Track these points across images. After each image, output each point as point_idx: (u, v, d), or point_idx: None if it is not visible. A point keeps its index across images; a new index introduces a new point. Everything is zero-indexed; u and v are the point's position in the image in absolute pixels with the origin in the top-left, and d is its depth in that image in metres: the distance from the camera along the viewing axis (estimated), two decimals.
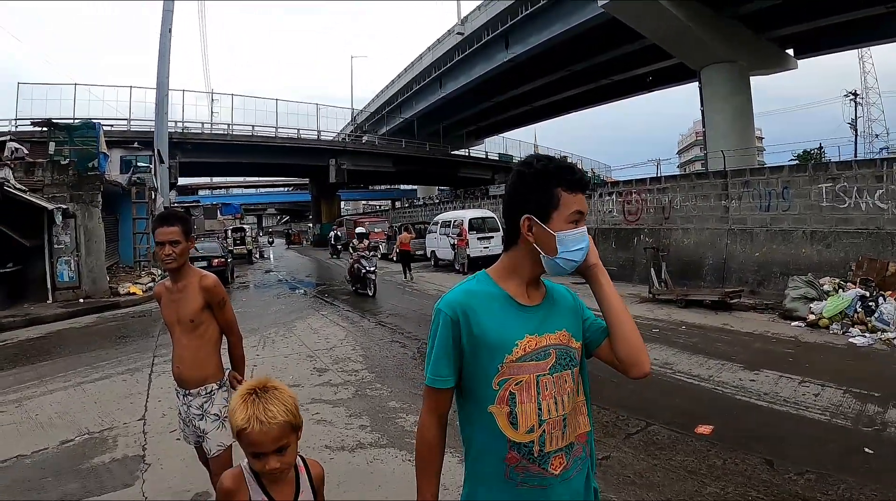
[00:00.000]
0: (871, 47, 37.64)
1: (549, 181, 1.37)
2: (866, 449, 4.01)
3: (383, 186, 72.07)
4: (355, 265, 13.90)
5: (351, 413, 5.02)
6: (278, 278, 19.79)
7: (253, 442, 1.39)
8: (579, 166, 1.39)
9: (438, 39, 38.03)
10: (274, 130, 39.58)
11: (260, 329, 9.39)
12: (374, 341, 8.34)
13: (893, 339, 7.38)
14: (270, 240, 59.14)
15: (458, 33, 34.32)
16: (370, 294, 13.24)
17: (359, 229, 16.98)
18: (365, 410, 5.10)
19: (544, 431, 1.36)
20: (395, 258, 22.02)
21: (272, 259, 32.69)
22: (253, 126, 38.51)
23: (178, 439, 4.42)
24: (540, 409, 1.36)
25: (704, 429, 4.40)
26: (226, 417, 2.59)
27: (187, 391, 2.74)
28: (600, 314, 1.49)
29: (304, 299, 13.82)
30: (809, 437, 4.29)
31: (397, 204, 61.48)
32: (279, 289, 16.34)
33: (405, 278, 16.83)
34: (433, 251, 21.27)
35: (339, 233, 31.22)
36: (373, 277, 13.43)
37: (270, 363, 7.05)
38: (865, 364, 5.69)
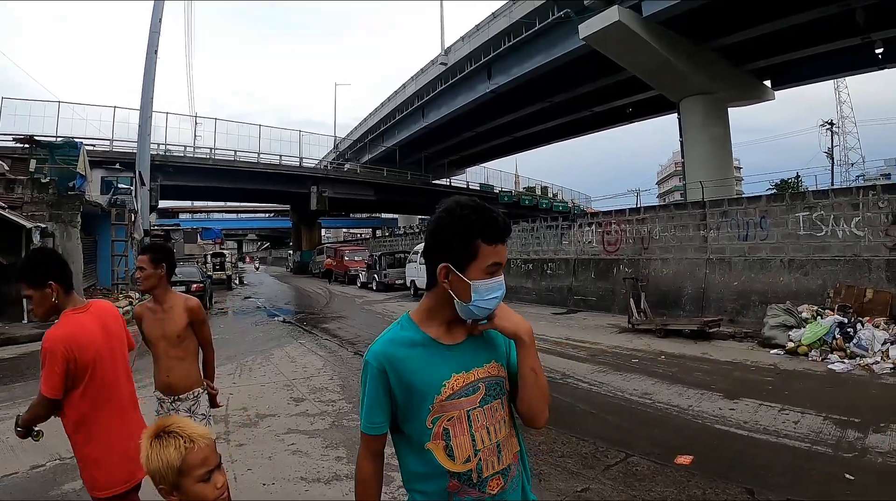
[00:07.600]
0: (847, 77, 38.57)
1: (468, 233, 1.35)
2: (847, 476, 4.00)
3: (364, 215, 71.68)
4: None
5: (327, 444, 4.92)
6: (257, 305, 19.62)
7: (203, 458, 1.38)
8: (501, 214, 1.41)
9: (422, 69, 38.08)
10: (256, 155, 39.56)
11: (237, 356, 9.14)
12: (352, 371, 8.13)
13: (872, 364, 7.43)
14: (257, 266, 58.60)
15: (442, 63, 34.46)
16: None
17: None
18: (342, 441, 4.98)
19: (480, 459, 1.40)
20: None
21: (251, 285, 32.44)
22: (235, 151, 38.47)
23: None
24: (474, 440, 1.40)
25: (684, 459, 4.37)
26: (211, 415, 3.25)
27: (175, 397, 3.10)
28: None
29: (282, 326, 13.66)
30: (790, 465, 4.29)
31: (378, 233, 61.44)
32: (257, 316, 16.18)
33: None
34: (413, 281, 21.20)
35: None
36: None
37: (247, 391, 6.74)
38: (845, 390, 5.71)
